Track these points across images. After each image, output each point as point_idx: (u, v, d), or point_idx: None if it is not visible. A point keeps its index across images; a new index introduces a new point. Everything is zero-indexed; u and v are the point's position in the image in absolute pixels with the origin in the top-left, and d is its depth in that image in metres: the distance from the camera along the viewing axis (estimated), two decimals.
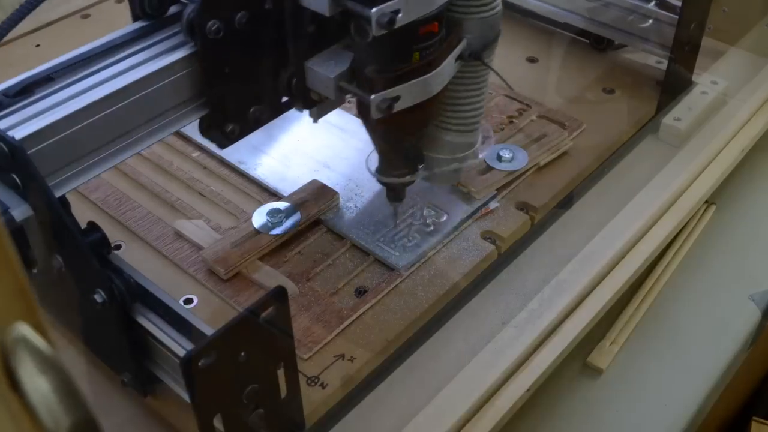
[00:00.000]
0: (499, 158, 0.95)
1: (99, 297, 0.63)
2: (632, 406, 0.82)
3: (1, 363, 0.33)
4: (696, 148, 1.01)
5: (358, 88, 0.72)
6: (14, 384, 0.33)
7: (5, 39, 0.70)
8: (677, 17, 1.00)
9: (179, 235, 0.90)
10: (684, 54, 1.05)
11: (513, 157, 0.96)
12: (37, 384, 0.33)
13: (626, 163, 1.02)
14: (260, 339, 0.61)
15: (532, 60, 1.15)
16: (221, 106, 0.71)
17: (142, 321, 0.65)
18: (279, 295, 0.60)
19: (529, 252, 0.91)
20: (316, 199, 0.91)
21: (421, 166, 0.84)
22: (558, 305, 0.83)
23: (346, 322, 0.80)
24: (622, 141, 1.03)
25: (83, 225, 0.65)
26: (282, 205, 0.90)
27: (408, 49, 0.71)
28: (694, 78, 1.10)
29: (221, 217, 0.92)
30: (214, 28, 0.65)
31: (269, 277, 0.84)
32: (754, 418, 1.05)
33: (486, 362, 0.78)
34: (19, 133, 0.60)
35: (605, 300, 0.85)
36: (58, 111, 0.63)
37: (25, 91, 0.64)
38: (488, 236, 0.90)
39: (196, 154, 1.00)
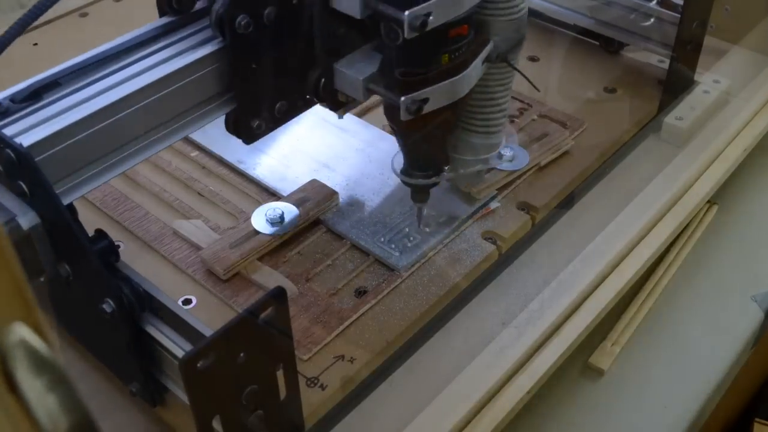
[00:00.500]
0: (500, 158, 0.95)
1: (108, 306, 0.63)
2: (634, 407, 0.81)
3: None
4: (698, 148, 1.01)
5: (387, 90, 0.73)
6: (12, 385, 0.33)
7: None
8: (679, 16, 1.00)
9: (178, 235, 0.89)
10: (686, 53, 1.05)
11: (514, 157, 0.95)
12: (34, 385, 0.32)
13: (628, 163, 1.01)
14: (259, 340, 0.60)
15: (533, 59, 1.15)
16: (248, 102, 0.71)
17: (151, 330, 0.65)
18: (278, 295, 0.60)
19: (530, 252, 0.91)
20: (316, 199, 0.91)
21: (446, 168, 0.84)
22: (559, 306, 0.82)
23: (346, 323, 0.80)
24: (623, 140, 1.03)
25: (82, 225, 0.64)
26: (281, 205, 0.90)
27: (438, 51, 0.71)
28: (696, 77, 1.10)
29: (220, 217, 0.92)
30: (243, 22, 0.66)
31: (268, 277, 0.84)
32: (757, 419, 1.05)
33: (486, 363, 0.78)
34: (26, 140, 0.60)
35: (607, 300, 0.84)
36: (67, 117, 0.62)
37: (33, 96, 0.64)
38: (489, 236, 0.89)
39: (194, 153, 1.00)
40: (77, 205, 0.66)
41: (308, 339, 0.79)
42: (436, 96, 0.73)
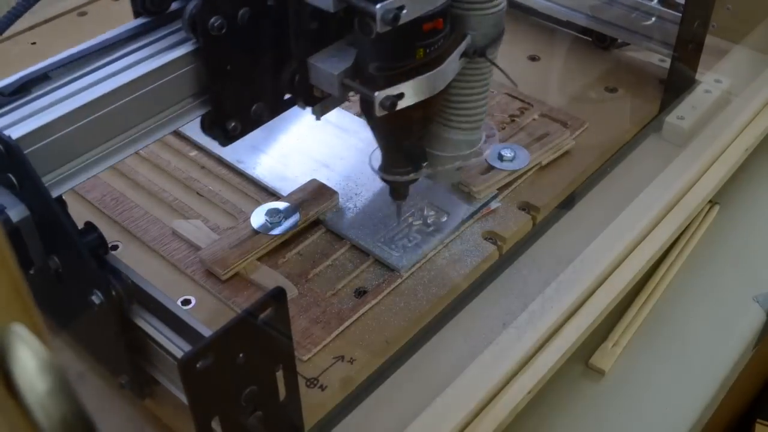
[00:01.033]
0: (501, 158, 0.95)
1: (96, 298, 0.63)
2: (635, 408, 0.81)
3: None
4: (699, 148, 1.01)
5: (361, 85, 0.72)
6: (10, 385, 0.33)
7: (1, 37, 0.70)
8: (680, 15, 0.99)
9: (177, 236, 0.89)
10: (687, 52, 1.04)
11: (514, 157, 0.95)
12: (32, 385, 0.32)
13: (629, 163, 1.01)
14: (259, 340, 0.60)
15: (533, 58, 1.15)
16: (223, 104, 0.71)
17: (140, 322, 0.65)
18: (278, 295, 0.60)
19: (530, 252, 0.90)
20: (316, 198, 0.91)
21: (424, 164, 0.84)
22: (560, 306, 0.82)
23: (346, 324, 0.80)
24: (624, 140, 1.03)
25: (80, 225, 0.64)
26: (281, 204, 0.90)
27: (412, 45, 0.71)
28: (697, 76, 1.09)
29: (219, 217, 0.91)
30: (216, 24, 0.65)
31: (268, 277, 0.84)
32: (759, 420, 1.05)
33: (487, 364, 0.77)
34: (15, 133, 0.60)
35: (608, 301, 0.84)
36: (56, 110, 0.63)
37: (22, 89, 0.64)
38: (489, 236, 0.89)
39: (193, 153, 1.00)
40: (72, 202, 0.66)
41: (308, 339, 0.78)
42: (412, 91, 0.72)
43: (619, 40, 1.13)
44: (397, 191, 0.85)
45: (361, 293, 0.83)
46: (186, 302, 0.82)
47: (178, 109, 0.70)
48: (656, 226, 0.92)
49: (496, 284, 0.87)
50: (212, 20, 0.65)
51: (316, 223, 0.90)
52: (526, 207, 0.92)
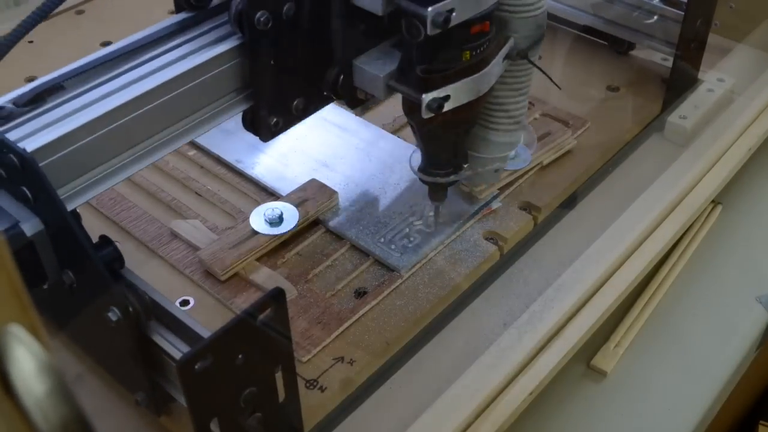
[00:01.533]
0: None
1: (113, 315, 0.62)
2: (637, 410, 0.81)
3: None
4: (702, 147, 1.01)
5: (408, 88, 0.73)
6: (7, 387, 0.33)
7: None
8: (683, 13, 0.99)
9: (175, 236, 0.89)
10: (690, 51, 1.04)
11: (516, 156, 0.94)
12: (30, 387, 0.32)
13: (631, 162, 1.01)
14: (258, 341, 0.60)
15: None
16: (266, 99, 0.72)
17: (157, 339, 0.65)
18: (277, 296, 0.59)
19: (531, 253, 0.90)
20: (315, 198, 0.91)
21: (465, 166, 0.84)
22: (561, 307, 0.82)
23: (346, 324, 0.80)
24: (626, 140, 1.02)
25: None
26: (280, 204, 0.89)
27: (459, 48, 0.71)
28: (700, 75, 1.09)
29: (218, 217, 0.91)
30: (263, 18, 0.66)
31: (267, 278, 0.83)
32: (762, 421, 1.05)
33: (488, 365, 0.77)
34: (30, 145, 0.59)
35: (609, 302, 0.84)
36: (71, 121, 0.62)
37: (36, 99, 0.63)
38: (490, 237, 0.89)
39: (192, 152, 0.99)
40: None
41: (307, 340, 0.78)
42: (458, 93, 0.73)
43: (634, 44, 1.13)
44: (436, 192, 0.85)
45: (361, 294, 0.83)
46: (184, 303, 0.82)
47: (217, 107, 0.71)
48: (658, 227, 0.92)
49: (497, 285, 0.86)
50: (259, 14, 0.66)
51: (315, 223, 0.90)
52: (527, 207, 0.92)
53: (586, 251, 0.88)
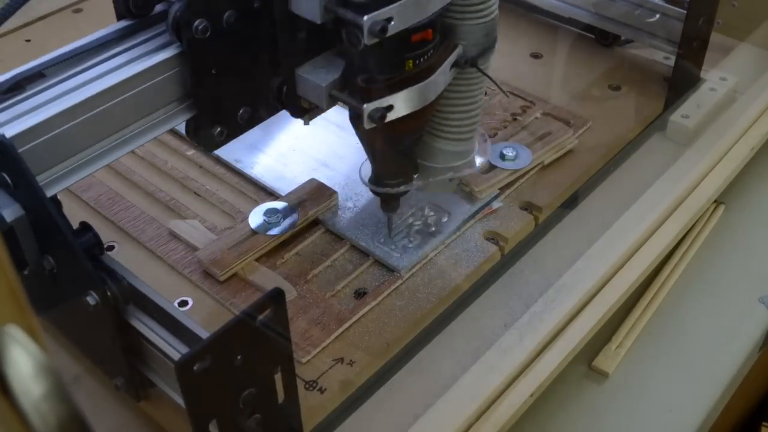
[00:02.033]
0: (503, 157, 0.94)
1: (91, 299, 0.62)
2: (639, 411, 0.81)
3: None
4: (704, 147, 1.00)
5: (350, 97, 0.71)
6: (4, 388, 0.33)
7: None
8: (685, 12, 0.99)
9: (174, 236, 0.89)
10: (692, 49, 1.04)
11: (516, 156, 0.95)
12: (27, 388, 0.32)
13: (633, 162, 1.01)
14: (257, 342, 0.60)
15: (536, 56, 1.14)
16: (209, 108, 0.70)
17: (136, 323, 0.65)
18: (276, 297, 0.59)
19: (532, 253, 0.90)
20: (315, 198, 0.90)
21: (416, 176, 0.83)
22: (563, 308, 0.82)
23: (346, 325, 0.79)
24: (628, 139, 1.02)
25: (75, 225, 0.64)
26: (279, 204, 0.89)
27: (401, 57, 0.70)
28: (702, 74, 1.09)
29: (217, 217, 0.91)
30: (201, 27, 0.64)
31: (266, 278, 0.83)
32: (764, 423, 1.05)
33: (488, 366, 0.77)
34: (9, 131, 0.60)
35: (611, 302, 0.84)
36: (49, 108, 0.62)
37: (16, 87, 0.64)
38: (491, 237, 0.89)
39: (191, 152, 0.99)
40: (68, 201, 0.66)
41: (307, 341, 0.78)
42: (401, 103, 0.71)
43: (623, 38, 1.13)
44: (388, 203, 0.84)
45: (360, 294, 0.83)
46: (183, 303, 0.82)
47: (168, 111, 0.70)
48: (660, 227, 0.91)
49: (498, 285, 0.86)
50: (197, 23, 0.64)
51: (315, 223, 0.90)
52: (528, 207, 0.92)
53: (588, 251, 0.88)
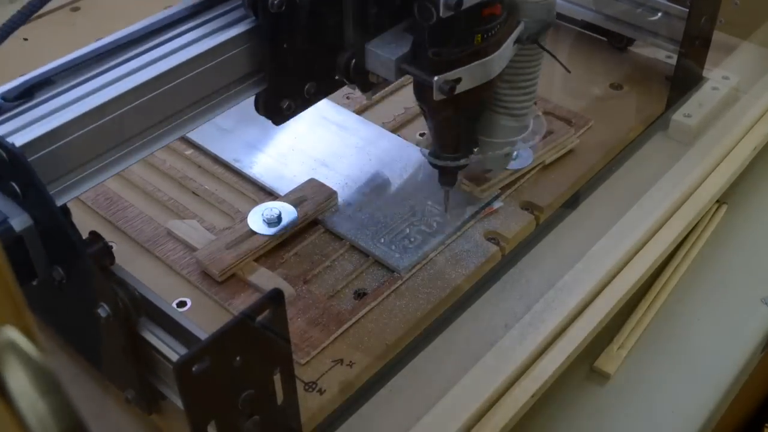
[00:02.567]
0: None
1: (103, 311, 0.62)
2: (641, 412, 0.80)
3: None
4: (707, 146, 1.00)
5: (419, 70, 0.74)
6: (2, 390, 0.32)
7: None
8: (687, 10, 0.99)
9: (172, 236, 0.88)
10: (694, 48, 1.04)
11: (518, 155, 0.94)
12: (25, 390, 0.32)
13: (635, 162, 1.00)
14: (256, 343, 0.60)
15: None
16: (279, 82, 0.73)
17: (147, 336, 0.64)
18: (275, 297, 0.59)
19: (533, 253, 0.90)
20: (314, 198, 0.90)
21: (475, 150, 0.86)
22: (564, 308, 0.81)
23: (345, 326, 0.79)
24: (630, 138, 1.02)
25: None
26: (278, 204, 0.89)
27: (471, 31, 0.73)
28: (704, 73, 1.09)
29: (215, 217, 0.91)
30: (276, 2, 0.67)
31: (265, 279, 0.83)
32: (767, 425, 1.04)
33: (489, 367, 0.77)
34: (19, 140, 0.59)
35: (613, 303, 0.83)
36: (61, 115, 0.62)
37: (26, 94, 0.63)
38: (492, 237, 0.88)
39: (189, 151, 0.99)
40: (69, 205, 0.65)
41: (306, 342, 0.77)
42: (469, 76, 0.74)
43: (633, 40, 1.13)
44: (447, 176, 0.86)
45: (360, 295, 0.82)
46: (181, 304, 0.82)
47: (231, 89, 0.72)
48: (662, 227, 0.91)
49: (499, 286, 0.86)
50: None
51: (314, 224, 0.89)
52: (529, 207, 0.92)
53: (589, 251, 0.87)
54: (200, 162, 0.97)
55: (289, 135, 1.01)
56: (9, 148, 0.57)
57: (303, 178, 0.93)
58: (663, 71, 1.09)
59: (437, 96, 0.73)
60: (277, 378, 0.63)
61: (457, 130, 0.82)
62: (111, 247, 0.85)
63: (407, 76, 0.76)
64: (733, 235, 0.97)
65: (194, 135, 0.98)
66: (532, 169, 0.95)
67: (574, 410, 0.80)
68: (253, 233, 0.86)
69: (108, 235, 0.88)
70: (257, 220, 0.87)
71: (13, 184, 0.59)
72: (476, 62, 0.73)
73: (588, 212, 0.94)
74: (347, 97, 1.05)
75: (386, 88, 1.04)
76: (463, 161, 0.84)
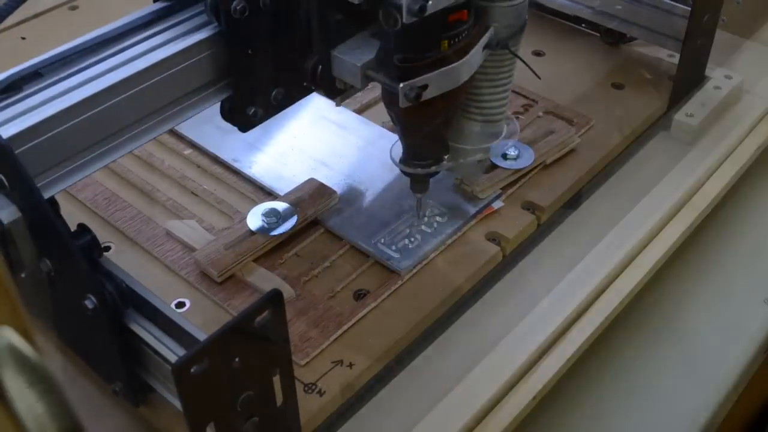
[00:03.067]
0: (504, 156, 0.93)
1: (90, 303, 0.62)
2: (643, 414, 0.80)
3: None
4: (709, 146, 1.00)
5: (385, 77, 0.73)
6: None
7: None
8: (689, 9, 0.98)
9: (171, 236, 0.88)
10: (696, 47, 1.03)
11: (518, 155, 0.94)
12: (23, 392, 0.32)
13: (636, 161, 1.00)
14: (255, 344, 0.59)
15: (538, 54, 1.14)
16: (244, 89, 0.72)
17: (135, 327, 0.64)
18: (275, 298, 0.59)
19: (535, 254, 0.89)
20: (314, 198, 0.90)
21: (446, 157, 0.84)
22: (565, 309, 0.81)
23: (345, 327, 0.79)
24: (632, 138, 1.01)
25: (72, 226, 0.64)
26: (278, 204, 0.88)
27: (437, 37, 0.72)
28: (707, 72, 1.09)
29: (214, 218, 0.90)
30: (239, 7, 0.66)
31: (264, 279, 0.82)
32: None
33: (490, 369, 0.77)
34: (6, 132, 0.59)
35: (614, 304, 0.83)
36: (48, 107, 0.62)
37: (13, 86, 0.63)
38: (493, 237, 0.88)
39: (188, 151, 0.98)
40: (63, 202, 0.66)
41: (306, 343, 0.77)
42: (436, 82, 0.73)
43: (627, 36, 1.12)
44: (418, 184, 0.85)
45: (360, 295, 0.82)
46: (180, 305, 0.81)
47: (194, 96, 0.71)
48: (665, 227, 0.91)
49: (499, 286, 0.86)
50: (235, 3, 0.66)
51: (314, 224, 0.89)
52: (530, 207, 0.91)
53: (591, 252, 0.87)
54: (199, 162, 0.97)
55: (288, 135, 1.00)
56: None
57: (302, 178, 0.92)
58: (665, 70, 1.09)
59: (403, 103, 0.72)
60: (276, 379, 0.63)
61: (427, 137, 0.81)
62: (108, 247, 0.86)
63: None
64: (736, 235, 0.97)
65: (193, 135, 0.98)
66: (533, 168, 0.94)
67: (576, 412, 0.80)
68: (253, 233, 0.86)
69: (106, 235, 0.88)
70: (256, 220, 0.87)
71: (1, 176, 0.59)
72: (443, 68, 0.73)
73: (589, 212, 0.94)
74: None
75: None
76: (433, 168, 0.83)
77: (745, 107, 1.06)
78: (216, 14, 0.67)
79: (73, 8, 1.26)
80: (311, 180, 0.92)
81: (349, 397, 0.75)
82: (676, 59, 1.04)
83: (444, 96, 0.74)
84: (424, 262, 0.85)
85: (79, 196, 0.92)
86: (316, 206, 0.88)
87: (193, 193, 0.93)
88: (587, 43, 1.15)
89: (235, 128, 0.98)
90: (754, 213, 1.00)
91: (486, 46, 0.77)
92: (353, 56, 0.74)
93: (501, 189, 0.92)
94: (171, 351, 0.63)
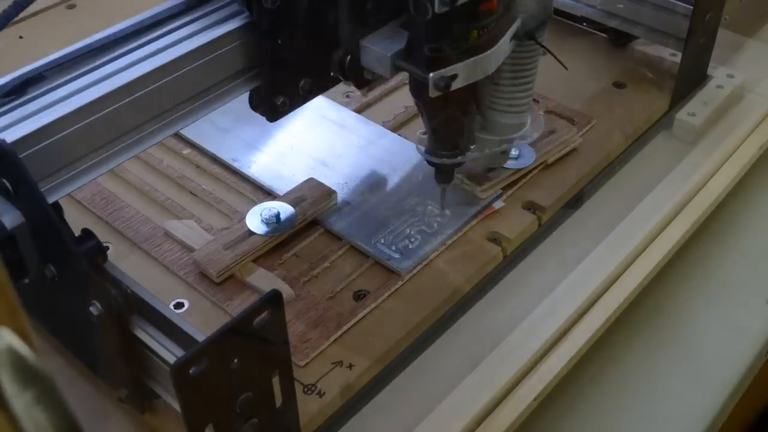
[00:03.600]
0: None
1: (95, 309, 0.62)
2: (644, 415, 0.80)
3: None
4: (711, 145, 1.00)
5: (415, 67, 0.74)
6: None
7: None
8: (692, 7, 0.98)
9: (169, 236, 0.88)
10: (699, 46, 1.03)
11: (519, 155, 0.94)
12: (21, 395, 0.32)
13: (638, 161, 1.00)
14: (254, 345, 0.59)
15: None
16: (273, 79, 0.73)
17: (140, 334, 0.64)
18: (274, 299, 0.59)
19: (536, 254, 0.89)
20: (313, 198, 0.89)
21: (471, 147, 0.85)
22: (567, 310, 0.81)
23: (345, 328, 0.79)
24: (633, 137, 1.01)
25: (71, 226, 0.63)
26: (277, 204, 0.88)
27: (467, 26, 0.72)
28: (709, 71, 1.08)
29: (213, 218, 0.90)
30: None
31: (264, 280, 0.82)
32: None
33: (491, 370, 0.76)
34: (10, 136, 0.59)
35: (616, 304, 0.83)
36: (53, 111, 0.62)
37: (18, 90, 0.63)
38: (493, 237, 0.88)
39: (187, 151, 0.98)
40: (63, 203, 0.65)
41: (305, 344, 0.77)
42: (465, 72, 0.73)
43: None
44: (444, 174, 0.85)
45: (360, 296, 0.82)
46: (178, 306, 0.81)
47: (224, 86, 0.72)
48: (667, 227, 0.90)
49: (500, 287, 0.85)
50: None
51: (313, 224, 0.89)
52: (531, 207, 0.91)
53: (592, 252, 0.87)
54: (198, 161, 0.97)
55: (288, 134, 1.00)
56: (0, 145, 0.56)
57: (302, 178, 0.92)
58: (667, 69, 1.09)
59: (433, 92, 0.72)
60: (275, 380, 0.63)
61: (454, 127, 0.81)
62: (107, 247, 0.86)
63: (404, 75, 0.76)
64: (737, 236, 0.97)
65: (192, 134, 0.98)
66: (534, 168, 0.94)
67: (577, 413, 0.80)
68: (252, 233, 0.85)
69: (105, 235, 0.88)
70: (255, 220, 0.86)
71: (5, 180, 0.59)
72: (472, 59, 0.73)
73: (591, 212, 0.93)
74: (347, 96, 1.05)
75: (386, 87, 1.04)
76: (460, 159, 0.83)
77: (748, 106, 1.05)
78: (247, 4, 0.68)
79: (71, 6, 1.26)
80: (311, 180, 0.92)
81: (349, 398, 0.75)
82: (678, 58, 1.04)
83: (472, 86, 0.75)
84: (424, 263, 0.85)
85: (77, 196, 0.91)
86: (315, 206, 0.88)
87: (191, 192, 0.93)
88: (589, 42, 1.15)
89: (234, 128, 0.98)
90: (757, 213, 1.00)
91: (513, 37, 0.78)
92: (383, 46, 0.75)
93: (502, 189, 0.92)
94: (170, 352, 0.62)
